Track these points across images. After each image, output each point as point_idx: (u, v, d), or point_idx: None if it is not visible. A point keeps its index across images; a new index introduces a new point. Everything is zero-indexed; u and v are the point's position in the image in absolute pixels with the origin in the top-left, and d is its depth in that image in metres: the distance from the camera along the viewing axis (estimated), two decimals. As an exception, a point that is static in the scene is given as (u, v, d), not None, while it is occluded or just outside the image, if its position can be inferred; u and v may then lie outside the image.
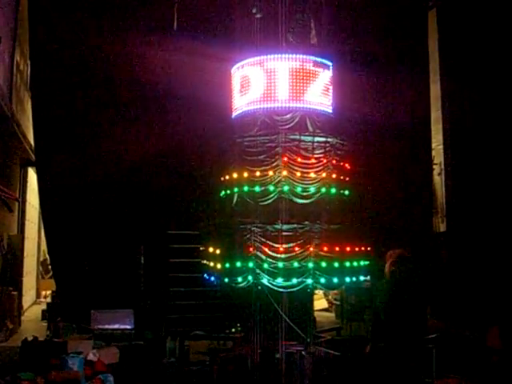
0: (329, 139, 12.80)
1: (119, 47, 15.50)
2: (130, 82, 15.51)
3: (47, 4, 15.68)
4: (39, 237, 23.93)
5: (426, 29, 18.61)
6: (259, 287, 12.32)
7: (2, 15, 15.80)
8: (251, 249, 12.13)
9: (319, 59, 13.22)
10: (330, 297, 20.71)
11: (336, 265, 12.46)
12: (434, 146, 18.62)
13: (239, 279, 12.44)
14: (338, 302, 18.76)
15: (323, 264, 12.34)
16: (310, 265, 12.19)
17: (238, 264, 12.17)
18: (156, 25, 15.76)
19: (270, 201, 12.42)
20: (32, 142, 17.21)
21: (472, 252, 16.29)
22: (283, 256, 12.17)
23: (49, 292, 20.99)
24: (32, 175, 20.82)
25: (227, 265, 12.29)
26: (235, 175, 12.93)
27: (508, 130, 16.82)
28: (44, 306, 18.50)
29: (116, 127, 15.38)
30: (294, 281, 12.19)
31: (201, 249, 13.89)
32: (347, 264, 12.84)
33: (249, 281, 12.31)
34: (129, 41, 15.50)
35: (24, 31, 17.74)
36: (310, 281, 12.30)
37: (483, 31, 17.26)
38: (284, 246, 12.22)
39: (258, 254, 12.22)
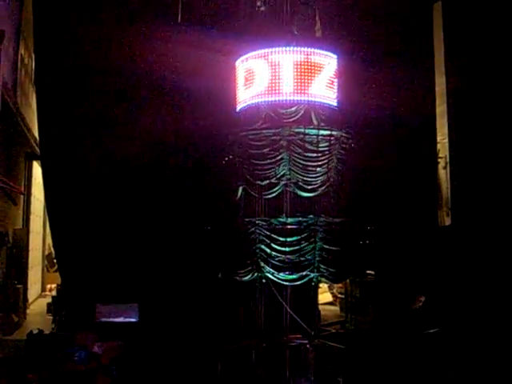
0: (333, 132, 12.79)
1: (124, 40, 15.47)
2: (134, 74, 15.47)
3: (51, -3, 15.68)
4: (44, 230, 23.99)
5: (431, 22, 18.53)
6: (263, 281, 12.36)
7: (6, 9, 15.81)
8: (256, 242, 12.17)
9: (324, 52, 13.19)
10: (334, 290, 20.71)
11: (341, 258, 12.48)
12: (439, 139, 18.55)
13: (244, 273, 12.48)
14: (342, 296, 18.77)
15: (328, 257, 12.37)
16: (315, 258, 12.22)
17: (243, 258, 12.21)
18: (161, 17, 15.71)
19: (274, 194, 12.44)
20: (37, 136, 17.20)
21: (477, 245, 16.25)
22: (288, 249, 12.20)
23: (54, 285, 21.04)
24: (37, 168, 20.85)
25: (232, 259, 12.33)
26: (239, 168, 12.95)
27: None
28: (49, 300, 18.57)
29: (120, 120, 15.37)
30: (299, 274, 12.23)
31: (206, 242, 13.93)
32: (352, 257, 12.88)
33: (253, 274, 12.35)
34: (133, 33, 15.47)
35: (28, 24, 17.74)
36: (314, 274, 12.33)
37: (489, 24, 17.17)
38: (289, 239, 12.24)
39: (263, 247, 12.25)
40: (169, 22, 15.33)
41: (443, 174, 18.68)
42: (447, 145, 18.57)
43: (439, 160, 18.57)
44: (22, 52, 18.26)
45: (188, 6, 15.62)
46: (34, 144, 18.32)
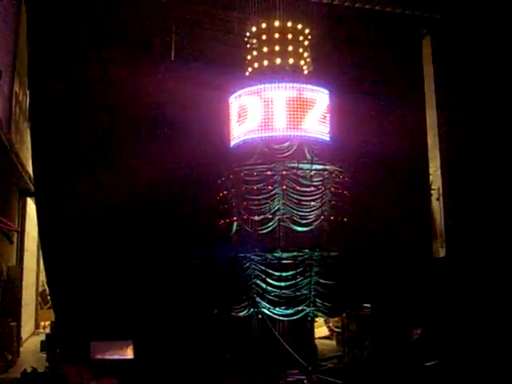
0: (327, 167, 12.89)
1: (118, 77, 15.60)
2: (128, 111, 15.58)
3: (46, 35, 15.82)
4: (38, 267, 23.79)
5: (421, 56, 18.82)
6: (260, 316, 12.30)
7: (2, 47, 15.94)
8: (251, 277, 12.16)
9: (316, 87, 13.36)
10: (330, 324, 20.56)
11: (336, 292, 12.47)
12: (431, 171, 18.67)
13: (240, 308, 12.43)
14: (339, 330, 18.63)
15: (323, 291, 12.35)
16: (311, 292, 12.21)
17: (238, 293, 12.17)
18: (155, 54, 15.91)
19: (269, 229, 12.47)
20: (31, 173, 17.22)
21: (473, 276, 16.25)
22: (283, 284, 12.18)
23: (48, 323, 20.82)
24: (31, 205, 20.78)
25: (227, 294, 12.29)
26: (234, 203, 13.00)
27: (504, 154, 16.92)
28: (43, 337, 18.34)
29: (114, 157, 15.42)
30: (295, 309, 12.19)
31: (200, 278, 13.86)
32: (347, 291, 12.85)
33: (249, 310, 12.30)
34: (127, 70, 15.60)
35: (23, 61, 17.86)
36: (310, 309, 12.30)
37: (477, 57, 17.47)
38: (284, 274, 12.23)
39: (258, 282, 12.23)
40: (163, 59, 15.50)
41: (437, 205, 18.74)
42: (440, 176, 18.67)
43: (432, 192, 18.65)
44: (17, 89, 18.34)
45: (181, 44, 15.83)
46: (28, 181, 18.30)
